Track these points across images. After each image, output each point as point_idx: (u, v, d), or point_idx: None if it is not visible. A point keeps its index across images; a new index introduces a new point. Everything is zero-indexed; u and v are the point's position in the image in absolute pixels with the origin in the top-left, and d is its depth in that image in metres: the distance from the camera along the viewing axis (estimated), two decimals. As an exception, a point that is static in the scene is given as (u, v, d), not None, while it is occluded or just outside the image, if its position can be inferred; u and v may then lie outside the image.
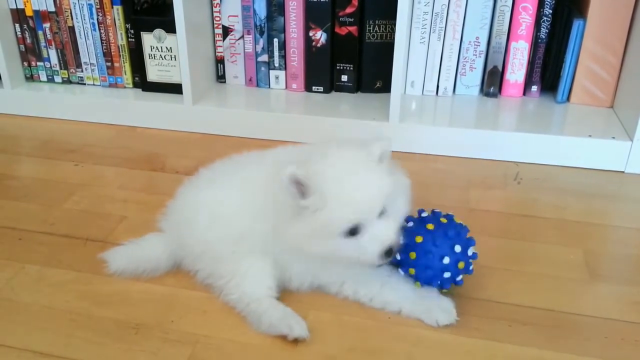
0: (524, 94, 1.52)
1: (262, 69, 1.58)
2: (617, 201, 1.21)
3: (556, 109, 1.46)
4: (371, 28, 1.49)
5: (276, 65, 1.56)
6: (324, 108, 1.48)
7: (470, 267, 0.87)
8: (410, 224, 0.87)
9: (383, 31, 1.49)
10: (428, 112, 1.46)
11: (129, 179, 1.29)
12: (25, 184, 1.27)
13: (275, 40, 1.53)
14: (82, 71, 1.61)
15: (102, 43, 1.55)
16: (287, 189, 0.80)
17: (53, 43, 1.58)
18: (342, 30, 1.50)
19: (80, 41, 1.56)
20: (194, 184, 1.01)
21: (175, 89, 1.51)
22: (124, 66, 1.57)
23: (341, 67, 1.54)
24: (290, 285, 0.92)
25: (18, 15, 1.56)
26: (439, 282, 0.87)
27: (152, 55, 1.51)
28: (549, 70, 1.48)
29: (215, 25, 1.55)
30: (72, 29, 1.55)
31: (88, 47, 1.57)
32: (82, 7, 1.52)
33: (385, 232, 0.82)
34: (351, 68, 1.54)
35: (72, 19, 1.54)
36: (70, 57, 1.59)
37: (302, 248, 0.84)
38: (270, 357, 0.82)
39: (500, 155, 1.35)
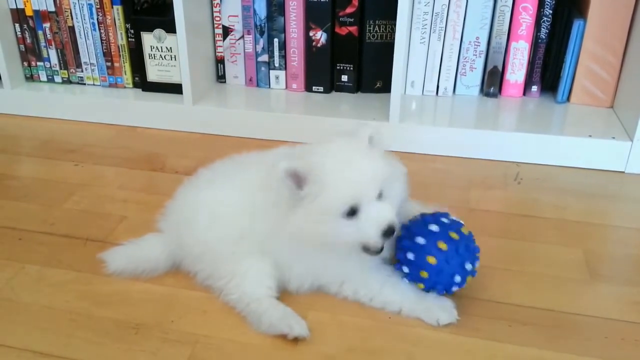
0: (524, 94, 1.51)
1: (262, 69, 1.58)
2: (617, 201, 1.21)
3: (556, 109, 1.46)
4: (371, 28, 1.49)
5: (276, 65, 1.56)
6: (324, 108, 1.48)
7: (475, 273, 0.89)
8: (421, 240, 0.86)
9: (383, 31, 1.49)
10: (428, 112, 1.46)
11: (129, 179, 1.29)
12: (25, 184, 1.27)
13: (276, 40, 1.53)
14: (82, 71, 1.61)
15: (102, 43, 1.55)
16: (283, 183, 0.81)
17: (53, 43, 1.58)
18: (342, 30, 1.50)
19: (80, 41, 1.56)
20: (194, 184, 1.01)
21: (175, 89, 1.51)
22: (124, 66, 1.57)
23: (341, 67, 1.54)
24: (290, 286, 0.91)
25: (18, 15, 1.56)
26: (443, 291, 0.88)
27: (152, 55, 1.51)
28: (549, 71, 1.48)
29: (216, 25, 1.55)
30: (72, 29, 1.55)
31: (88, 47, 1.57)
32: (82, 7, 1.52)
33: (383, 213, 0.82)
34: (351, 68, 1.54)
35: (72, 18, 1.54)
36: (70, 57, 1.59)
37: (303, 237, 0.84)
38: (270, 357, 0.82)
39: (500, 155, 1.35)
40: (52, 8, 1.54)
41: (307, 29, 1.50)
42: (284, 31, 1.51)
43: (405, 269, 0.88)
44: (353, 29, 1.49)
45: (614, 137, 1.31)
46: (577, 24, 1.40)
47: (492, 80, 1.51)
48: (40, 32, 1.57)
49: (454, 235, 0.86)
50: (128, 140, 1.47)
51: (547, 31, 1.44)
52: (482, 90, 1.53)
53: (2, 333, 0.86)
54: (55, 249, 1.05)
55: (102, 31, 1.54)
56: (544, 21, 1.43)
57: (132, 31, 1.52)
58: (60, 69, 1.61)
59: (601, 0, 1.37)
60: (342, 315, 0.89)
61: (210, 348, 0.84)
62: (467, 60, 1.49)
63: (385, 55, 1.42)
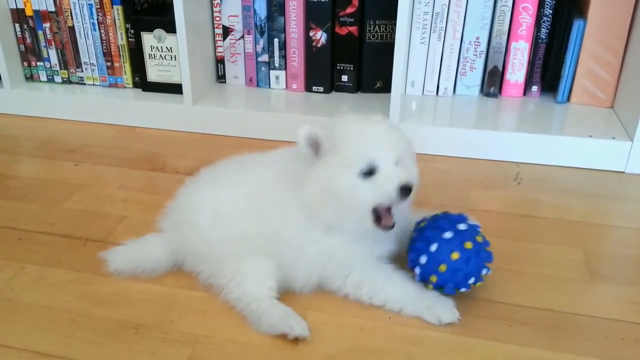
0: (524, 94, 1.51)
1: (263, 69, 1.58)
2: (618, 201, 1.21)
3: (556, 109, 1.46)
4: (371, 28, 1.49)
5: (276, 65, 1.56)
6: (324, 108, 1.48)
7: (483, 280, 0.89)
8: (449, 234, 0.86)
9: (383, 31, 1.49)
10: (428, 112, 1.46)
11: (129, 179, 1.29)
12: (25, 184, 1.27)
13: (276, 40, 1.53)
14: (82, 71, 1.61)
15: (102, 43, 1.55)
16: (302, 149, 0.84)
17: (53, 43, 1.58)
18: (343, 30, 1.50)
19: (80, 41, 1.56)
20: (196, 184, 1.01)
21: (175, 89, 1.51)
22: (124, 66, 1.57)
23: (341, 67, 1.54)
24: (294, 285, 0.91)
25: (18, 15, 1.56)
26: (452, 290, 0.88)
27: (152, 55, 1.51)
28: (549, 71, 1.48)
29: (216, 25, 1.55)
30: (72, 29, 1.55)
31: (88, 47, 1.57)
32: (82, 7, 1.52)
33: (400, 173, 0.84)
34: (351, 68, 1.54)
35: (72, 18, 1.54)
36: (70, 57, 1.59)
37: (318, 201, 0.85)
38: (270, 357, 0.82)
39: (500, 155, 1.35)
40: (52, 8, 1.54)
41: (307, 29, 1.50)
42: (284, 31, 1.51)
43: (423, 259, 0.87)
44: (353, 29, 1.49)
45: (614, 137, 1.31)
46: (577, 24, 1.40)
47: (492, 80, 1.51)
48: (40, 32, 1.57)
49: (479, 239, 0.87)
50: (128, 140, 1.47)
51: (547, 31, 1.44)
52: (482, 90, 1.53)
53: (2, 333, 0.86)
54: (55, 249, 1.05)
55: (102, 31, 1.54)
56: (544, 21, 1.43)
57: (132, 31, 1.52)
58: (60, 69, 1.61)
59: (601, 0, 1.37)
60: (342, 315, 0.89)
61: (210, 348, 0.84)
62: (467, 60, 1.49)
63: (386, 55, 1.42)
